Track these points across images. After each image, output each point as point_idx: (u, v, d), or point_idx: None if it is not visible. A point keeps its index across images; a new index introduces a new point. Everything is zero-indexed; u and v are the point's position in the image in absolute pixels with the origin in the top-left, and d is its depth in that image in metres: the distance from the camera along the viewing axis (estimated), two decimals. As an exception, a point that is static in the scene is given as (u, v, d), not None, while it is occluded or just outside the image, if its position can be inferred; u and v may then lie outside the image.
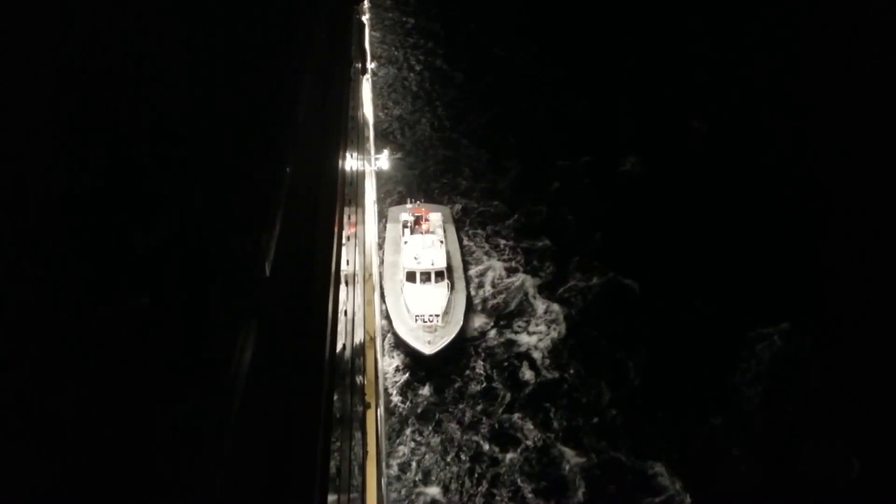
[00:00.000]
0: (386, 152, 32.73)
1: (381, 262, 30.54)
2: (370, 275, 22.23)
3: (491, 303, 30.28)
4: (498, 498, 22.66)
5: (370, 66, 37.58)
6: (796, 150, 41.90)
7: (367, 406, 14.31)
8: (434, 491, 22.68)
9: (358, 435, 10.64)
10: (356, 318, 12.29)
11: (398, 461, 23.30)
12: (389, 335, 27.51)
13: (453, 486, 22.87)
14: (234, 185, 4.22)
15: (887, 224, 33.33)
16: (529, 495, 22.61)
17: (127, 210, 2.89)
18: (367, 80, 34.56)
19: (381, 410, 19.14)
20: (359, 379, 12.57)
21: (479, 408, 25.39)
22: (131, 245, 2.84)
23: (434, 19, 64.39)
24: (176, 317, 2.89)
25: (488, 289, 30.99)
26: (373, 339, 18.84)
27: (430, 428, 24.54)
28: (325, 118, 9.48)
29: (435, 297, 27.28)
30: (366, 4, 40.73)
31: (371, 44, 44.94)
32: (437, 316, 26.67)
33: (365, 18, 37.89)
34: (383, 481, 17.08)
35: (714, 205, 36.68)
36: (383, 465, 18.50)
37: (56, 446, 2.10)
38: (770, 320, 28.77)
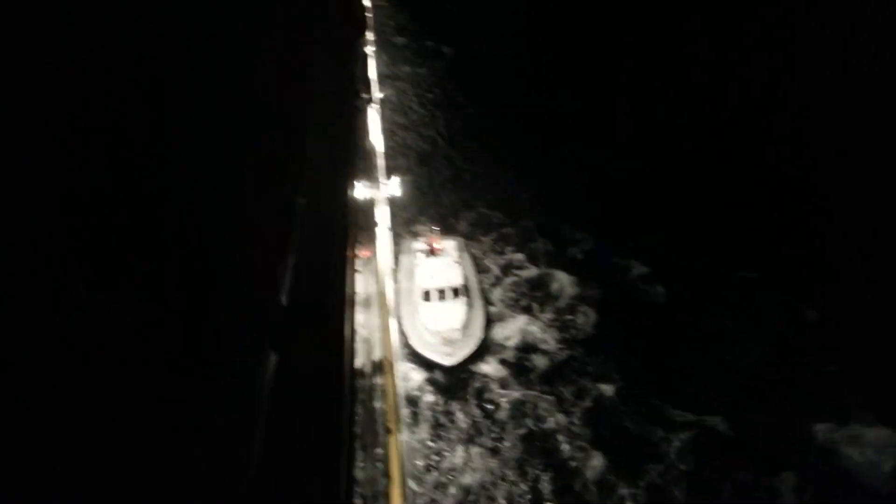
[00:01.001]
0: (396, 179, 32.85)
1: (396, 290, 30.48)
2: (385, 300, 22.29)
3: (510, 335, 29.80)
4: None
5: (376, 95, 38.07)
6: (795, 149, 42.20)
7: (388, 431, 14.28)
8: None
9: (380, 461, 10.63)
10: (373, 344, 12.35)
11: (422, 485, 23.09)
12: (407, 357, 27.37)
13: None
14: (248, 218, 4.35)
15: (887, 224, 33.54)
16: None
17: (145, 245, 3.01)
18: (374, 109, 35.01)
19: (402, 435, 19.05)
20: (379, 404, 12.58)
21: (504, 428, 25.14)
22: (157, 281, 2.95)
23: (438, 44, 65.34)
24: (197, 347, 2.98)
25: (509, 324, 30.51)
26: (391, 365, 18.84)
27: (455, 449, 24.33)
28: (335, 149, 9.65)
29: (452, 312, 26.69)
30: (369, 37, 41.43)
31: (375, 74, 45.57)
32: (456, 330, 26.12)
33: (369, 50, 38.50)
34: (408, 508, 16.92)
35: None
36: (407, 490, 18.36)
37: (102, 468, 2.18)
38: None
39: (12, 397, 2.23)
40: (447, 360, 25.22)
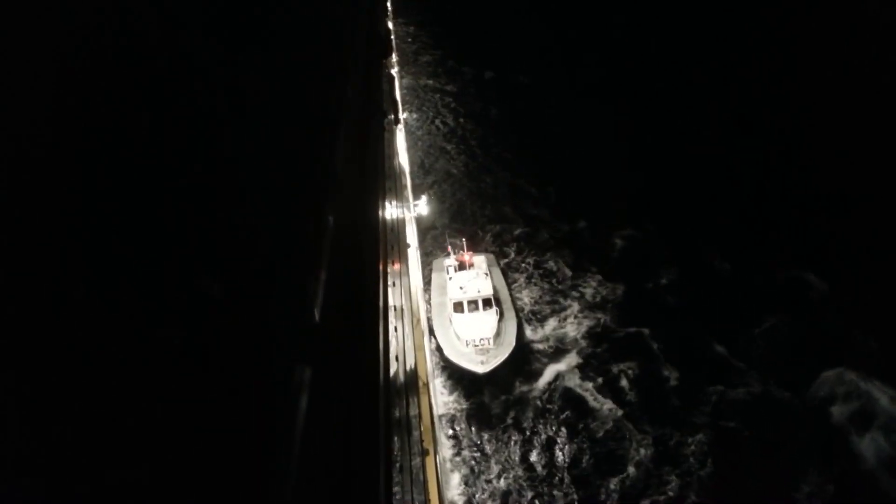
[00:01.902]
0: (424, 198, 33.09)
1: (429, 309, 30.56)
2: (418, 320, 22.23)
3: (542, 343, 29.79)
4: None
5: (402, 115, 38.46)
6: (796, 148, 42.35)
7: (425, 453, 14.10)
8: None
9: (419, 482, 10.47)
10: (408, 364, 12.24)
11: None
12: (442, 376, 27.27)
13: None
14: (280, 235, 4.32)
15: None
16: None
17: (185, 265, 2.98)
18: (401, 129, 35.34)
19: (439, 457, 18.84)
20: (415, 425, 12.44)
21: (544, 446, 24.74)
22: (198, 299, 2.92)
23: (460, 63, 66.10)
24: (230, 365, 2.93)
25: (540, 333, 30.49)
26: (426, 385, 18.70)
27: (490, 470, 24.00)
28: (364, 169, 9.68)
29: (484, 321, 26.98)
30: (394, 58, 42.01)
31: (401, 94, 46.12)
32: (488, 339, 26.34)
33: (394, 71, 38.99)
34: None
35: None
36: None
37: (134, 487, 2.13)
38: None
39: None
40: (480, 369, 25.49)
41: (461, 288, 28.06)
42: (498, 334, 26.80)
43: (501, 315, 27.99)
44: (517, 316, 29.16)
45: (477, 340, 26.23)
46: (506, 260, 35.47)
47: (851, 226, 34.07)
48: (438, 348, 27.33)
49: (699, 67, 57.44)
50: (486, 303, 27.61)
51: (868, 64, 50.01)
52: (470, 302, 27.56)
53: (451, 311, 27.91)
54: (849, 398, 25.08)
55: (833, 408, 24.84)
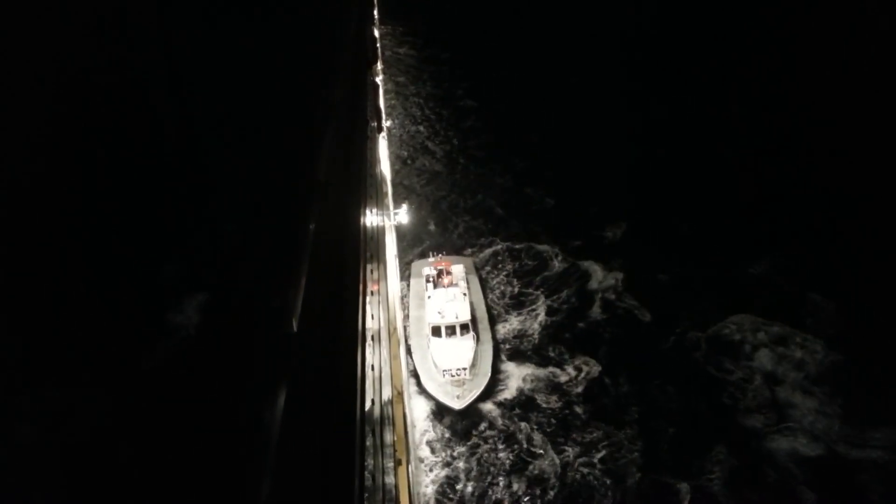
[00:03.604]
0: (404, 207, 33.12)
1: (406, 317, 30.47)
2: (395, 329, 22.16)
3: (518, 352, 30.01)
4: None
5: (385, 123, 38.47)
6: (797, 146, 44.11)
7: (398, 462, 14.04)
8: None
9: (391, 492, 10.42)
10: (383, 373, 12.20)
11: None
12: (417, 391, 27.24)
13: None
14: (260, 244, 4.31)
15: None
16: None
17: (157, 268, 2.96)
18: (383, 137, 35.34)
19: (412, 467, 18.75)
20: (389, 435, 12.39)
21: (511, 462, 24.78)
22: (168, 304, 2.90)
23: (444, 75, 66.39)
24: (206, 375, 2.91)
25: (514, 340, 30.83)
26: (401, 394, 18.63)
27: (462, 481, 23.95)
28: (346, 176, 9.67)
29: (461, 350, 27.08)
30: (379, 66, 42.06)
31: (385, 102, 46.17)
32: (465, 369, 26.42)
33: (378, 79, 39.03)
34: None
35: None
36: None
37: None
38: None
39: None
40: (456, 404, 25.72)
41: (439, 312, 28.06)
42: (474, 364, 26.89)
43: (478, 338, 28.07)
44: (493, 338, 29.33)
45: (454, 370, 26.25)
46: (483, 264, 35.69)
47: (840, 227, 35.38)
48: (415, 372, 27.32)
49: (693, 63, 59.19)
50: (464, 328, 27.68)
51: (855, 60, 52.05)
52: (448, 327, 27.62)
53: (428, 334, 27.94)
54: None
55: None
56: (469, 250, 37.18)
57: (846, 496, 22.83)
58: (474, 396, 25.91)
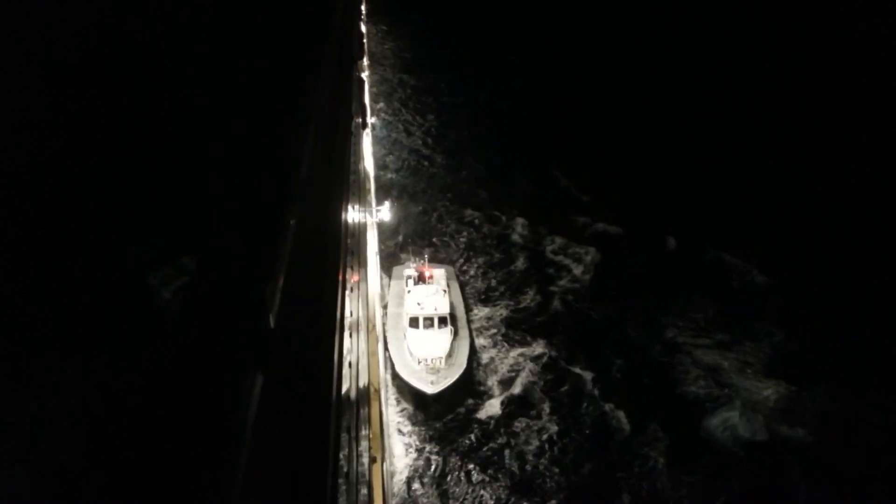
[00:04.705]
0: (387, 204, 33.02)
1: (385, 314, 30.43)
2: (373, 326, 22.11)
3: (496, 358, 30.28)
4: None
5: (370, 120, 38.31)
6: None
7: (372, 460, 14.03)
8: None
9: (364, 490, 10.41)
10: (360, 370, 12.18)
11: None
12: (393, 385, 27.21)
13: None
14: (238, 237, 4.29)
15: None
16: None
17: (138, 258, 2.95)
18: (368, 134, 35.19)
19: (387, 464, 18.75)
20: (364, 432, 12.38)
21: (486, 456, 24.90)
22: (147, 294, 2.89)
23: (430, 70, 66.37)
24: (182, 368, 2.90)
25: (492, 345, 31.07)
26: (377, 392, 18.61)
27: (436, 479, 23.99)
28: (328, 172, 9.63)
29: (438, 341, 27.09)
30: (365, 62, 41.88)
31: (370, 99, 46.00)
32: (441, 359, 26.43)
33: (364, 75, 38.86)
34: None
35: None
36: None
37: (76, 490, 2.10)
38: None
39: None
40: (430, 389, 25.54)
41: (419, 304, 28.05)
42: (450, 355, 26.90)
43: (456, 333, 28.08)
44: (471, 335, 29.43)
45: (429, 360, 26.27)
46: (465, 271, 35.71)
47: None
48: (390, 361, 27.25)
49: (681, 60, 60.33)
50: (442, 321, 27.71)
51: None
52: (426, 319, 27.60)
53: (406, 326, 27.89)
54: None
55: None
56: (453, 256, 37.42)
57: (780, 473, 23.92)
58: (448, 383, 25.87)
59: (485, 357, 29.81)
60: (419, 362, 26.37)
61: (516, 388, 28.15)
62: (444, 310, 28.10)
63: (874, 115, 47.59)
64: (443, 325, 27.66)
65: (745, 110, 52.05)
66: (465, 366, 26.99)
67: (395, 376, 26.94)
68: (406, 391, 26.67)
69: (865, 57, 55.96)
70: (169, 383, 2.74)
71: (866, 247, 34.48)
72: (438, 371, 26.13)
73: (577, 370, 29.17)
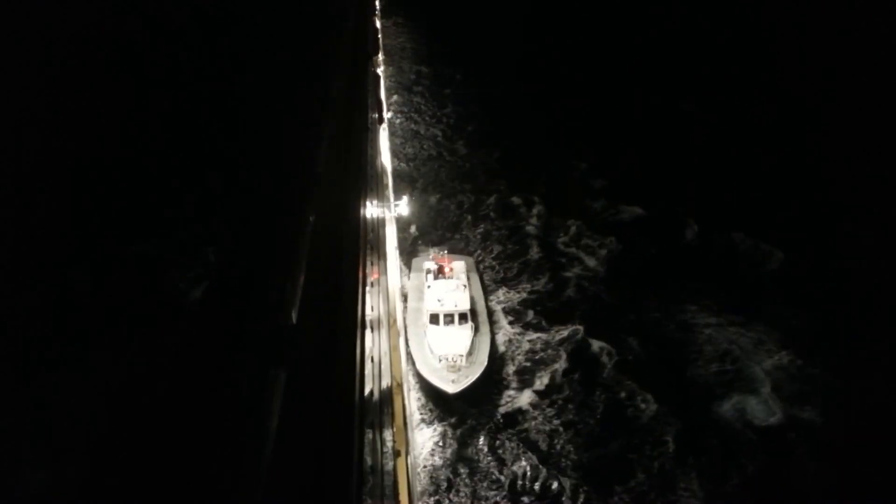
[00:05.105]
0: (405, 198, 33.02)
1: (405, 309, 30.43)
2: (394, 321, 22.17)
3: (516, 347, 30.22)
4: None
5: (386, 115, 38.36)
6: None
7: (397, 454, 14.09)
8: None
9: (389, 484, 10.47)
10: (382, 365, 12.23)
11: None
12: (414, 380, 27.23)
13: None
14: (259, 234, 4.31)
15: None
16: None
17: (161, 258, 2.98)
18: (384, 129, 35.24)
19: (411, 458, 18.83)
20: (387, 426, 12.43)
21: (507, 446, 24.90)
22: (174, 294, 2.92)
23: (446, 66, 66.23)
24: (205, 365, 2.92)
25: (512, 335, 31.03)
26: (400, 386, 18.67)
27: (458, 471, 24.04)
28: (346, 168, 9.66)
29: (459, 338, 26.84)
30: (380, 58, 41.91)
31: (386, 94, 46.07)
32: (461, 356, 26.15)
33: (380, 71, 38.91)
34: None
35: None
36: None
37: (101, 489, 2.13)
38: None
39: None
40: (451, 388, 25.31)
41: (439, 300, 27.88)
42: (471, 352, 26.62)
43: (476, 329, 27.93)
44: (491, 331, 29.24)
45: (450, 357, 26.06)
46: (484, 262, 35.73)
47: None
48: (411, 359, 27.16)
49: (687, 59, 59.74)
50: (463, 317, 27.48)
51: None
52: (446, 315, 27.42)
53: (426, 322, 27.76)
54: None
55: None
56: (471, 247, 37.36)
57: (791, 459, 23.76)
58: (469, 382, 25.59)
59: (504, 346, 29.74)
60: (440, 360, 26.20)
61: (535, 376, 28.07)
62: (465, 306, 27.91)
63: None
64: (463, 322, 27.46)
65: (765, 94, 51.51)
66: (486, 363, 26.70)
67: (416, 374, 26.87)
68: (427, 387, 26.64)
69: (890, 41, 55.00)
70: (192, 380, 2.77)
71: (886, 229, 33.96)
72: (459, 369, 25.90)
73: (595, 355, 29.12)
